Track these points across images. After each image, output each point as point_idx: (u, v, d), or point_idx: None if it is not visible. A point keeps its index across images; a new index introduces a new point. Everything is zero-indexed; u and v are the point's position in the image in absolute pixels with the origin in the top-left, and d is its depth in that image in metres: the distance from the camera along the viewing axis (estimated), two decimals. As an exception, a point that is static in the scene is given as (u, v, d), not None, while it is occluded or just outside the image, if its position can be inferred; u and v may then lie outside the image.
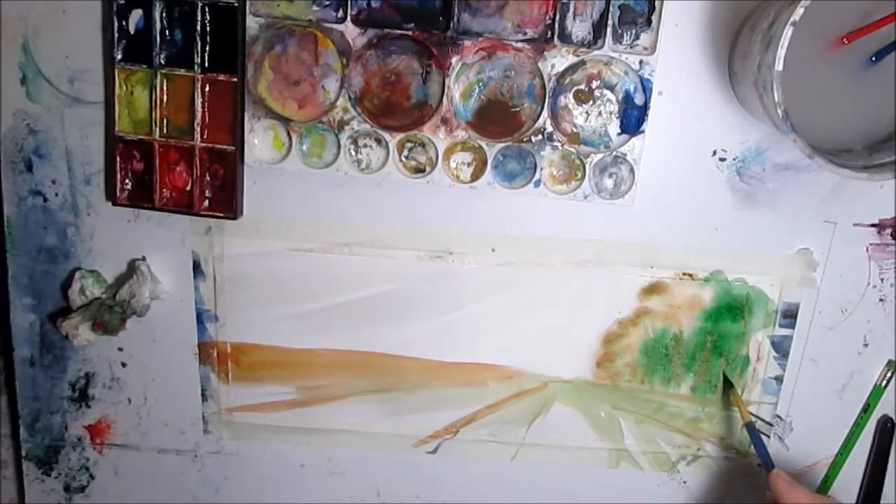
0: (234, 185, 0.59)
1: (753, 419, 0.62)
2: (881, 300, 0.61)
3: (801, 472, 0.65)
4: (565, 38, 0.55)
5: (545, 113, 0.56)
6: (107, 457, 0.68)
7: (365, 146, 0.58)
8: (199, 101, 0.57)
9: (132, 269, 0.62)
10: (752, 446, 0.62)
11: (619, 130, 0.57)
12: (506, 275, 0.61)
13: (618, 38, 0.54)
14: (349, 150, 0.58)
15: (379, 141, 0.57)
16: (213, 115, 0.58)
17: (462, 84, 0.56)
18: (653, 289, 0.61)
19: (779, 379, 0.63)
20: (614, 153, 0.57)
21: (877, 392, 0.63)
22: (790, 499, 0.57)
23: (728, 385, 0.63)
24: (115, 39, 0.57)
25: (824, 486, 0.65)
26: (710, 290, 0.61)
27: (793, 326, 0.62)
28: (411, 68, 0.56)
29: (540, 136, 0.56)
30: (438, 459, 0.66)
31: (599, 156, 0.57)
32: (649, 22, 0.54)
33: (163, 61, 0.57)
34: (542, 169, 0.57)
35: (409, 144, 0.58)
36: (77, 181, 0.61)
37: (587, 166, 0.57)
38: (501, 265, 0.61)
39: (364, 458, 0.67)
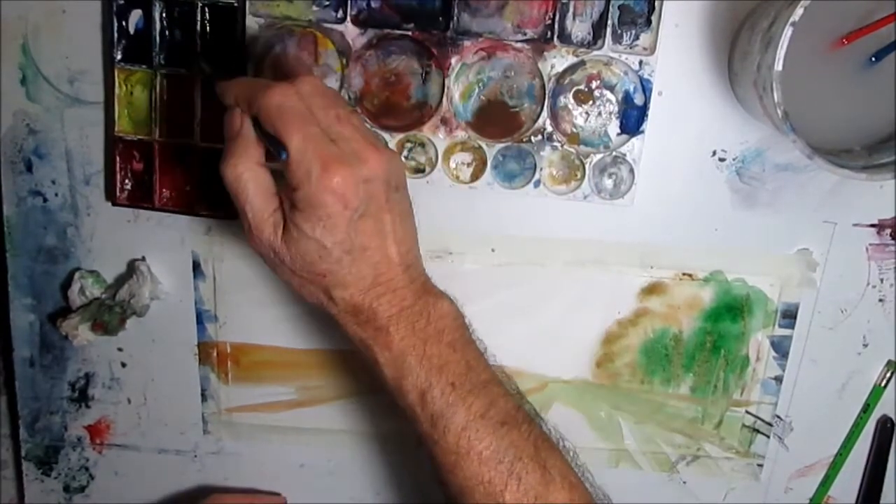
0: (234, 186, 0.59)
1: None
2: (881, 300, 0.61)
3: (802, 472, 0.65)
4: (565, 38, 0.55)
5: (545, 113, 0.56)
6: (107, 457, 0.68)
7: (365, 146, 0.58)
8: (199, 101, 0.57)
9: (132, 269, 0.62)
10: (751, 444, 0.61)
11: (618, 131, 0.57)
12: (506, 275, 0.61)
13: (617, 39, 0.54)
14: (349, 150, 0.58)
15: (379, 141, 0.57)
16: (213, 115, 0.58)
17: (462, 84, 0.56)
18: (652, 289, 0.61)
19: (778, 379, 0.63)
20: (614, 153, 0.57)
21: (876, 392, 0.63)
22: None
23: None
24: (115, 39, 0.57)
25: (824, 486, 0.65)
26: (709, 291, 0.61)
27: (792, 326, 0.61)
28: (411, 68, 0.56)
29: (540, 137, 0.56)
30: (438, 459, 0.66)
31: (599, 156, 0.57)
32: (649, 22, 0.54)
33: (163, 61, 0.57)
34: (541, 169, 0.57)
35: (408, 144, 0.58)
36: (77, 181, 0.61)
37: (587, 166, 0.57)
38: (501, 265, 0.61)
39: (364, 458, 0.67)
